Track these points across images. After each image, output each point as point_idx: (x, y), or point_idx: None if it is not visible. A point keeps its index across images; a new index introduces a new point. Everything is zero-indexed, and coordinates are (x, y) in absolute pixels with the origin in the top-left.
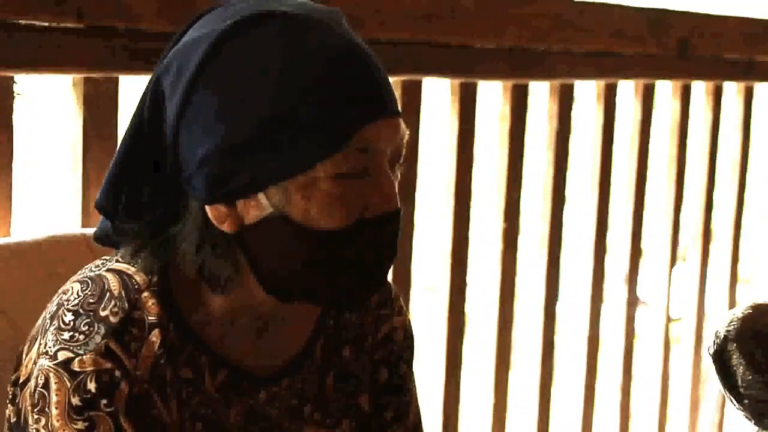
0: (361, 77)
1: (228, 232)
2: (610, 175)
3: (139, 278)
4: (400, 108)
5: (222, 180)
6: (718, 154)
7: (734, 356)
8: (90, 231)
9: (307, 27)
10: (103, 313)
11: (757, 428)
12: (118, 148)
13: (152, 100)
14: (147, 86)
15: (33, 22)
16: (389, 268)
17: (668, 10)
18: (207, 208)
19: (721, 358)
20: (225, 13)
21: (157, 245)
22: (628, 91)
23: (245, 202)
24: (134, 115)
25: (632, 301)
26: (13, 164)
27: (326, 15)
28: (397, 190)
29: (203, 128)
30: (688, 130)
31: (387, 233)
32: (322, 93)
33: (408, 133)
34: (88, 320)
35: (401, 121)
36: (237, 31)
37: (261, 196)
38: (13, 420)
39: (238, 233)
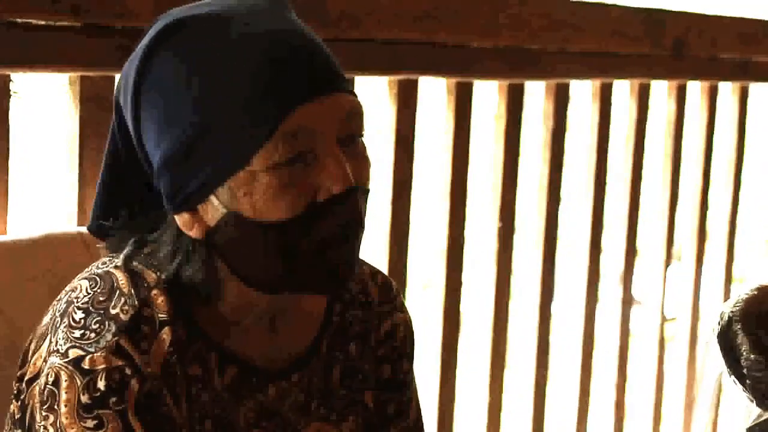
0: (284, 63)
1: (197, 238)
2: (605, 175)
3: (148, 276)
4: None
5: (176, 188)
6: (713, 154)
7: (739, 337)
8: (86, 229)
9: (226, 24)
10: (113, 311)
11: (759, 409)
12: (101, 174)
13: (117, 120)
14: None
15: (29, 21)
16: (357, 247)
17: (663, 10)
18: (175, 216)
19: (725, 339)
20: (155, 25)
21: (141, 250)
22: (623, 90)
23: (204, 206)
24: (109, 139)
25: (627, 301)
26: (9, 162)
27: (257, 8)
28: (350, 168)
29: (153, 142)
30: (684, 129)
31: (343, 213)
32: (243, 86)
33: (361, 106)
34: (99, 318)
35: (344, 97)
36: (158, 45)
37: (213, 198)
38: (17, 416)
39: (207, 237)
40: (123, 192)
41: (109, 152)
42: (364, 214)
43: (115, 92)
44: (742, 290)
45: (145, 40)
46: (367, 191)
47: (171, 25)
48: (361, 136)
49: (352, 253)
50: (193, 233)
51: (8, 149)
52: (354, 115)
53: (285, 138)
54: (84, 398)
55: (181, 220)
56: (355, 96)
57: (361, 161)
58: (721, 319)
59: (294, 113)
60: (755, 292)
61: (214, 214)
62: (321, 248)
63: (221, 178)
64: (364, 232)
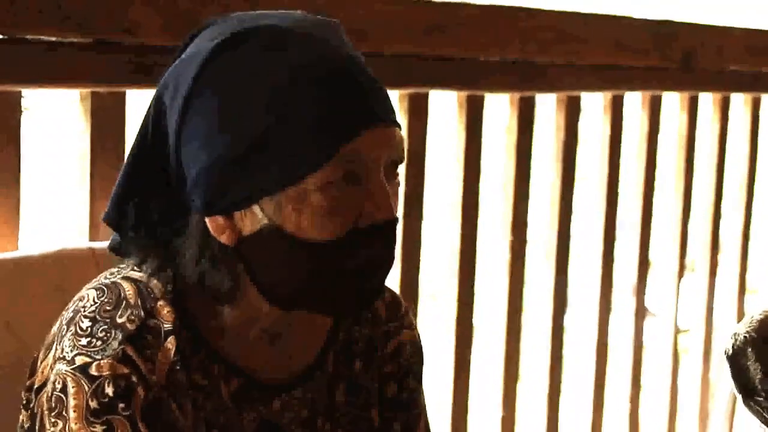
0: (349, 89)
1: (227, 244)
2: (617, 187)
3: (154, 286)
4: (398, 117)
5: (217, 193)
6: (725, 166)
7: (750, 359)
8: (97, 245)
9: (293, 40)
10: (120, 320)
11: None
12: (124, 164)
13: (155, 117)
14: (150, 103)
15: (40, 37)
16: (386, 276)
17: (672, 22)
18: (206, 220)
19: (736, 360)
20: (217, 29)
21: (163, 257)
22: (635, 102)
23: (242, 214)
24: (138, 133)
25: (640, 312)
26: (20, 178)
27: (318, 27)
28: (392, 199)
29: (199, 144)
30: (695, 141)
31: (382, 242)
32: (308, 106)
33: (405, 140)
34: (105, 326)
35: (396, 129)
36: (223, 50)
37: (256, 207)
38: (27, 425)
39: (236, 245)
40: (142, 186)
41: (136, 145)
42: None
43: (158, 89)
44: (754, 312)
45: (206, 43)
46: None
47: (239, 32)
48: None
49: (381, 282)
50: (224, 239)
51: (19, 165)
52: (401, 149)
53: (341, 162)
54: (93, 404)
55: (213, 224)
56: (401, 129)
57: (395, 193)
58: (732, 340)
59: (354, 140)
60: (766, 315)
61: (254, 223)
62: (354, 274)
63: (272, 190)
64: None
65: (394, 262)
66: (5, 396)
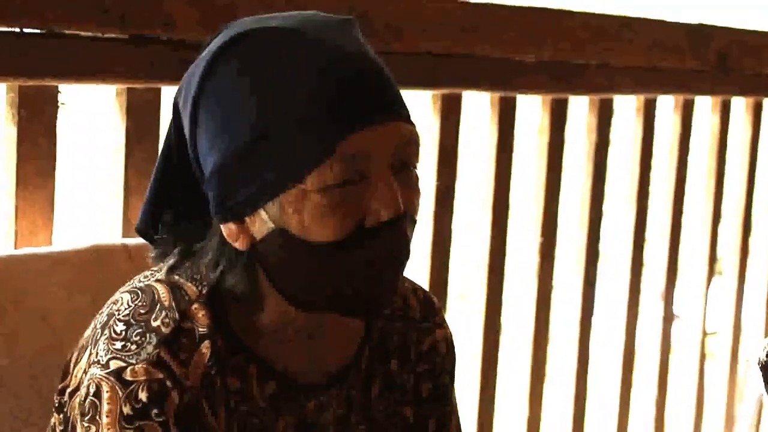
0: (348, 84)
1: (242, 250)
2: (648, 189)
3: (189, 289)
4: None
5: (225, 198)
6: (756, 170)
7: None
8: (130, 241)
9: (294, 40)
10: (154, 324)
11: None
12: (153, 174)
13: (175, 123)
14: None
15: (77, 32)
16: (400, 273)
17: (707, 25)
18: (221, 226)
19: None
20: (226, 32)
21: (186, 260)
22: (667, 105)
23: (251, 218)
24: (164, 142)
25: (668, 315)
26: (56, 173)
27: (326, 26)
28: (402, 195)
29: (207, 148)
30: (727, 145)
31: (390, 240)
32: (306, 103)
33: (419, 136)
34: (140, 330)
35: (402, 124)
36: (227, 50)
37: (262, 212)
38: (60, 428)
39: (251, 249)
40: (171, 194)
41: (162, 153)
42: (410, 243)
43: (175, 94)
44: None
45: (212, 47)
46: (415, 221)
47: (239, 34)
48: (415, 167)
49: (393, 280)
50: (238, 245)
51: (55, 159)
52: (410, 144)
53: (341, 159)
54: (126, 409)
55: (227, 230)
56: (414, 126)
57: (412, 191)
58: (766, 350)
59: (353, 136)
60: None
61: (262, 227)
62: (364, 272)
63: (273, 192)
64: (408, 260)
65: (424, 259)
66: (44, 389)
